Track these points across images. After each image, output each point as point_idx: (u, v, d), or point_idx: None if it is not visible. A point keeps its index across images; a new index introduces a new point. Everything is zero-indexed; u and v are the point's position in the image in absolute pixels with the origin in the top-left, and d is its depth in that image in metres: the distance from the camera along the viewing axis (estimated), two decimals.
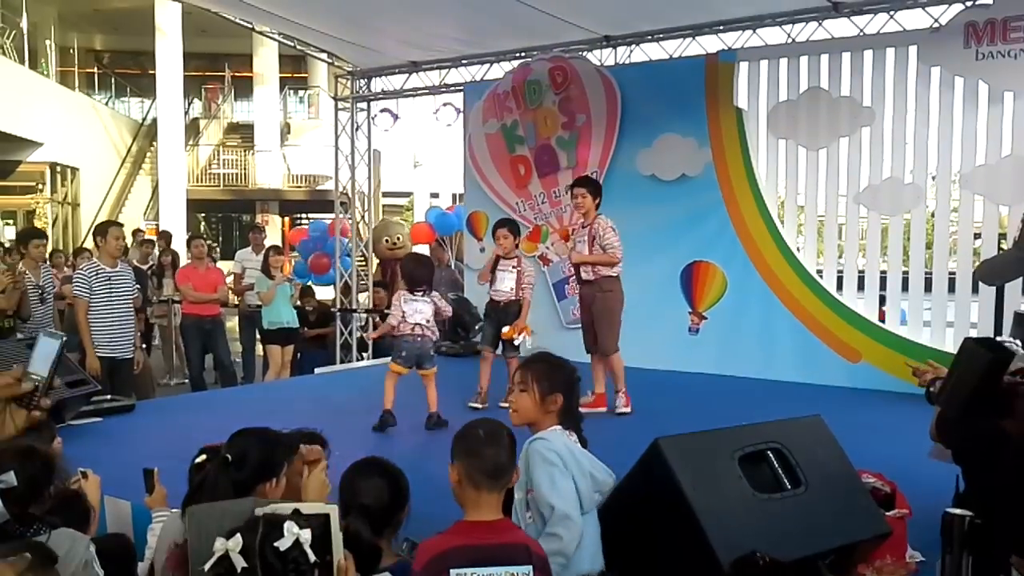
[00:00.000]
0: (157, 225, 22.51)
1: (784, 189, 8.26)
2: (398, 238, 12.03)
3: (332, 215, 11.93)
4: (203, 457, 2.87)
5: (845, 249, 8.12)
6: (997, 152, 7.11)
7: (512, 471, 2.60)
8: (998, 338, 2.10)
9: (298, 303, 10.46)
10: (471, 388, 7.02)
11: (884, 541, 3.20)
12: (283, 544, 1.99)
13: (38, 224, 20.27)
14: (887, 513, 3.31)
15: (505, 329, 6.63)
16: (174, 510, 3.06)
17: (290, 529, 2.01)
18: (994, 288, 6.88)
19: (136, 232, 13.85)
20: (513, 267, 6.77)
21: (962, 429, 1.84)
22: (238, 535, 1.97)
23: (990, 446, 1.79)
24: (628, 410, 6.54)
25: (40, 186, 21.80)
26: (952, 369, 1.89)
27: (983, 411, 1.83)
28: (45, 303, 7.10)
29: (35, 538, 2.54)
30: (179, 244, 15.21)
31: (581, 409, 6.32)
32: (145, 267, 11.03)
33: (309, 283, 12.56)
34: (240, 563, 1.94)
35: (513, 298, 6.74)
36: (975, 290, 7.12)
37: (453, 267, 11.70)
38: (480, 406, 6.65)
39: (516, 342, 6.64)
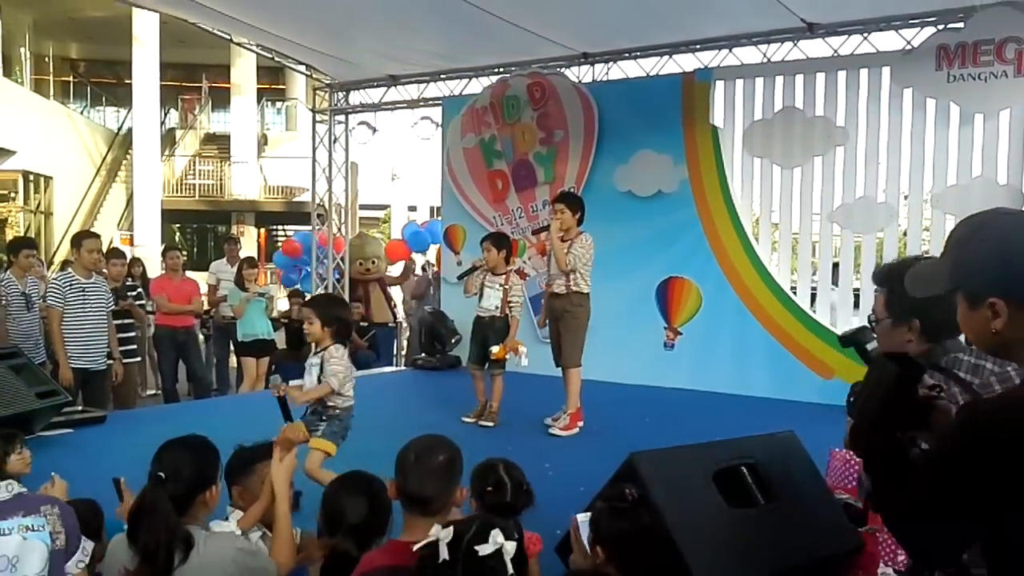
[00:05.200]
0: (131, 235, 22.34)
1: (759, 207, 8.33)
2: (373, 262, 11.95)
3: (309, 227, 11.89)
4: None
5: (819, 266, 8.20)
6: (968, 173, 7.22)
7: (443, 499, 2.48)
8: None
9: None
10: (450, 401, 7.03)
11: (856, 556, 3.23)
12: (484, 549, 2.03)
13: (10, 233, 20.07)
14: (859, 529, 3.34)
15: (495, 349, 6.54)
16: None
17: (495, 538, 2.05)
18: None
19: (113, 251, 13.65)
20: (500, 284, 6.69)
21: (871, 441, 1.88)
22: (452, 527, 2.04)
23: (898, 459, 1.82)
24: (563, 433, 6.34)
25: (13, 194, 21.56)
26: (864, 381, 1.93)
27: (895, 424, 1.87)
28: (30, 311, 7.03)
29: None
30: (152, 254, 15.06)
31: (558, 433, 6.31)
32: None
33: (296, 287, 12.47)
34: (443, 554, 2.00)
35: (498, 315, 6.68)
36: None
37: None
38: (474, 420, 6.66)
39: (522, 362, 6.61)
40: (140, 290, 8.96)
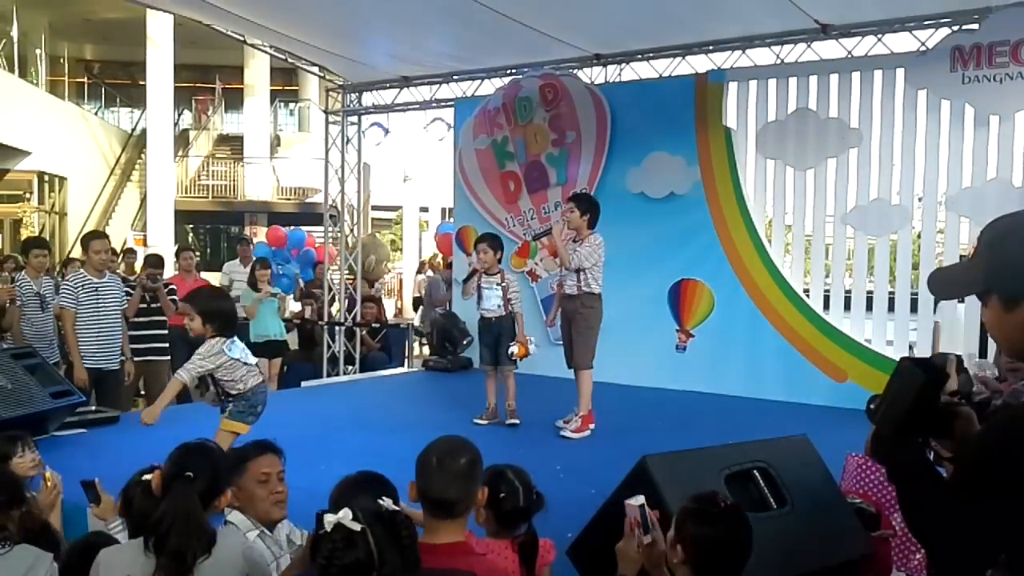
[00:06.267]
0: (145, 236, 22.42)
1: (772, 208, 8.31)
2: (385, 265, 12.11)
3: (320, 227, 11.92)
4: (148, 477, 2.81)
5: (832, 269, 8.17)
6: (983, 175, 7.18)
7: (466, 501, 2.47)
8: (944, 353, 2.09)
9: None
10: (462, 402, 7.03)
11: (869, 561, 3.21)
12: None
13: (24, 233, 20.19)
14: (872, 534, 3.32)
15: (515, 350, 6.65)
16: (114, 523, 3.02)
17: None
18: (978, 307, 6.92)
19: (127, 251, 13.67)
20: (498, 284, 6.74)
21: (894, 448, 1.86)
22: (345, 508, 2.02)
23: (920, 467, 1.80)
24: (575, 436, 6.36)
25: (27, 195, 21.68)
26: (887, 388, 1.91)
27: (917, 431, 1.85)
28: (45, 311, 7.07)
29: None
30: (166, 255, 15.07)
31: (570, 436, 6.33)
32: (132, 278, 10.96)
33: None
34: (356, 526, 1.98)
35: (502, 314, 6.74)
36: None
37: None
38: (486, 422, 6.70)
39: (532, 352, 6.77)
40: (173, 286, 8.87)
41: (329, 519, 1.99)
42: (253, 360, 4.69)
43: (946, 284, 1.90)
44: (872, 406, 1.94)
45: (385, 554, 1.99)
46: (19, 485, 2.97)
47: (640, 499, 2.51)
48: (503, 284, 6.75)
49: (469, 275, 6.95)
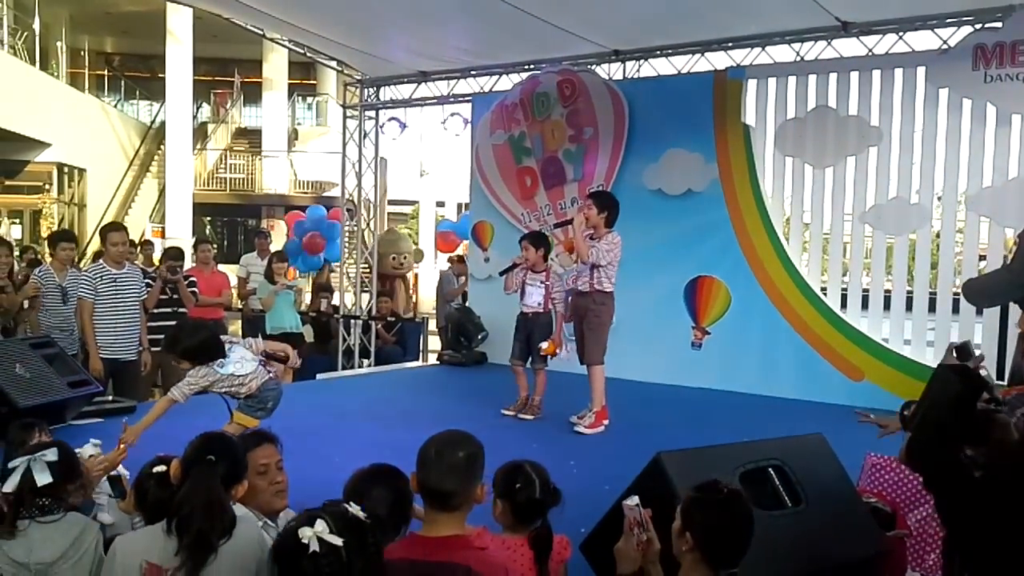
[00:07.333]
0: (163, 228, 22.58)
1: (790, 206, 8.26)
2: (405, 257, 12.06)
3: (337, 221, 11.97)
4: (163, 468, 2.82)
5: (850, 267, 8.12)
6: (1004, 174, 7.11)
7: (464, 495, 2.48)
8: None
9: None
10: (476, 397, 7.04)
11: (884, 561, 3.20)
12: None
13: (44, 224, 20.36)
14: (887, 533, 3.30)
15: (544, 345, 6.71)
16: (138, 517, 3.04)
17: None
18: (998, 308, 6.88)
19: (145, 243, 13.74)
20: (542, 282, 6.81)
21: (932, 455, 1.84)
22: (318, 520, 2.05)
23: (958, 474, 1.78)
24: (588, 431, 6.35)
25: (47, 186, 21.87)
26: (924, 394, 1.89)
27: (954, 438, 1.83)
28: (66, 304, 7.11)
29: (51, 515, 2.69)
30: (184, 247, 15.15)
31: (584, 431, 6.34)
32: (150, 269, 11.01)
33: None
34: (337, 540, 2.02)
35: (542, 311, 6.80)
36: (979, 312, 7.11)
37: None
38: (513, 413, 6.76)
39: (562, 355, 6.81)
40: (193, 278, 8.90)
41: (306, 533, 2.03)
42: (249, 368, 4.78)
43: (985, 293, 1.89)
44: (906, 412, 1.93)
45: (354, 563, 2.05)
46: (78, 462, 3.01)
47: (635, 499, 2.57)
48: (546, 283, 6.82)
49: (508, 268, 6.98)
